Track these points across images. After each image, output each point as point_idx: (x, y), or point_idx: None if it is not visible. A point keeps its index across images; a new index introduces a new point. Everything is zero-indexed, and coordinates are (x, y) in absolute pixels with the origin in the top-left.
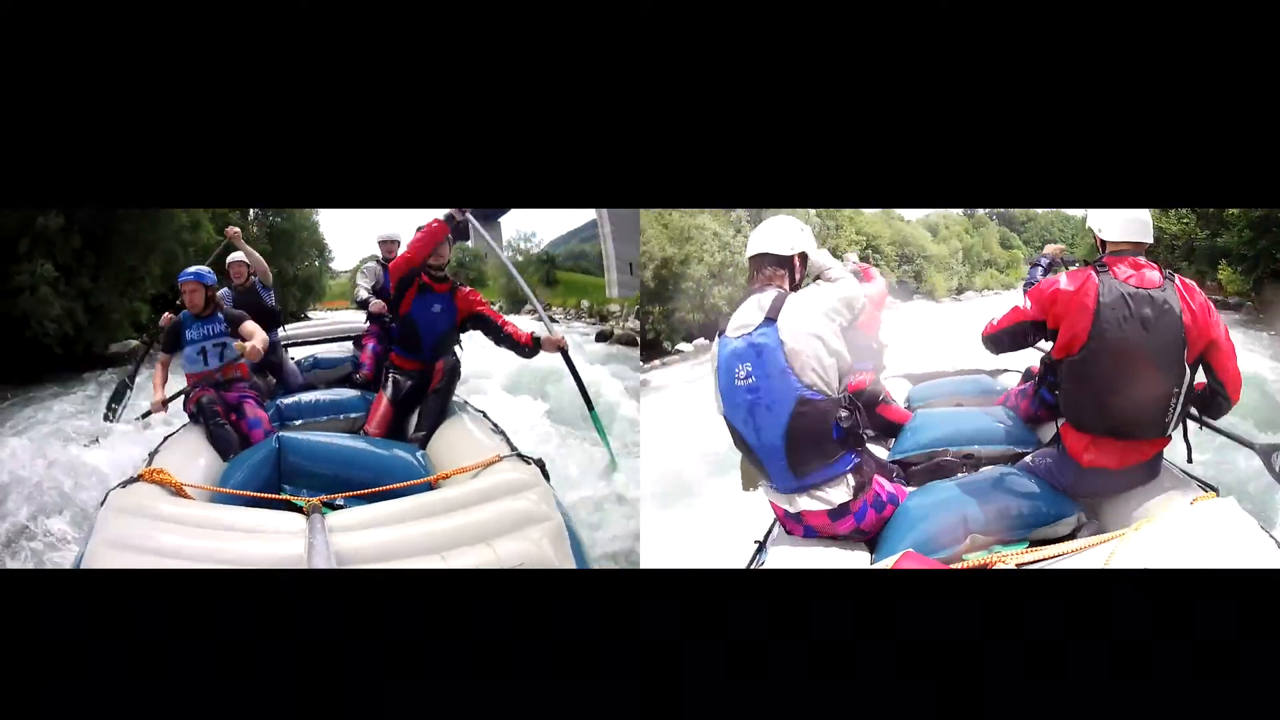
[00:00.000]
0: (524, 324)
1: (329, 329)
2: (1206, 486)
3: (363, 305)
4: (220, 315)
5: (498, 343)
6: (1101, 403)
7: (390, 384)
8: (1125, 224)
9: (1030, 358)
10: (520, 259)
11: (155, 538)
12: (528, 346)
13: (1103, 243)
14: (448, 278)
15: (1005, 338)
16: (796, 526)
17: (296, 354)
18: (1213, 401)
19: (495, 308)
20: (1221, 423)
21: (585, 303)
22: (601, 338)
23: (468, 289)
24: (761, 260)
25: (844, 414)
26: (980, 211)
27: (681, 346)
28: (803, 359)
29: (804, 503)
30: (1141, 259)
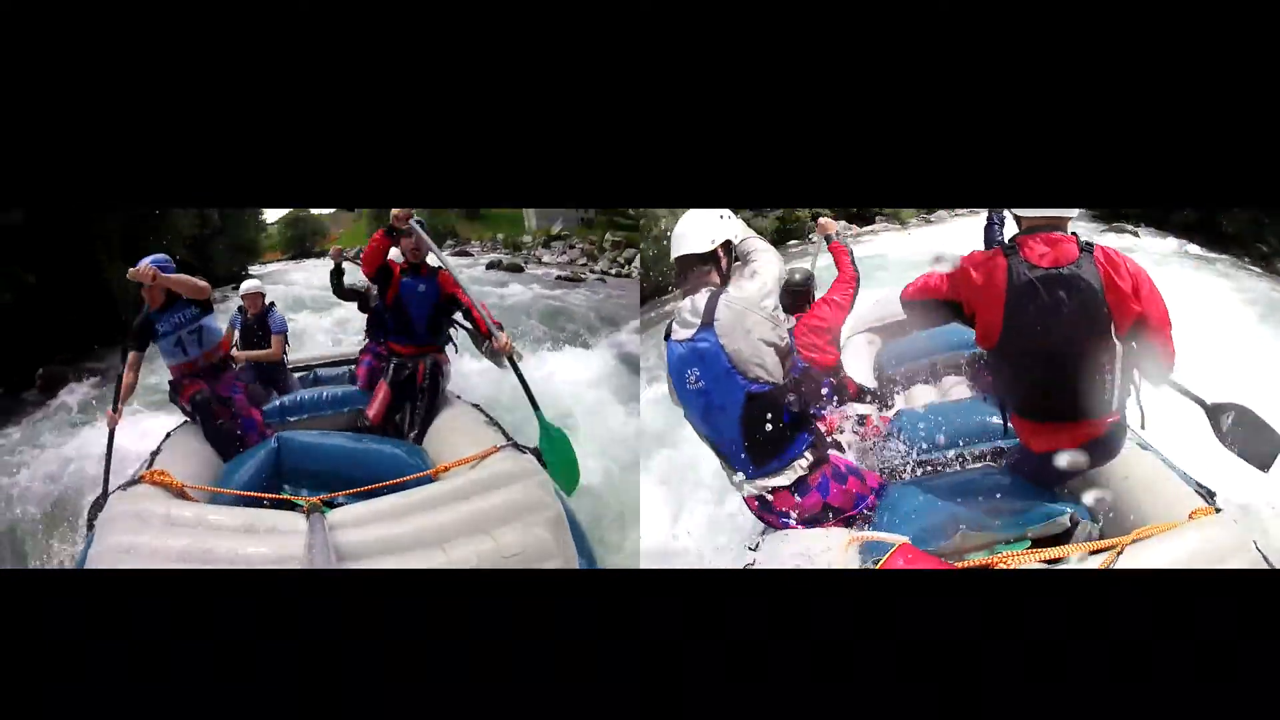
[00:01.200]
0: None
1: (329, 356)
2: (1203, 490)
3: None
4: (186, 301)
5: (465, 319)
6: (1032, 389)
7: (391, 369)
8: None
9: None
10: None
11: (158, 540)
12: (482, 335)
13: (1018, 219)
14: (422, 266)
15: (917, 311)
16: (774, 519)
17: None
18: (1151, 372)
19: None
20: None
21: (500, 236)
22: (491, 266)
23: (444, 274)
24: (685, 261)
25: (792, 398)
26: None
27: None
28: (743, 356)
29: (769, 482)
30: (1059, 233)
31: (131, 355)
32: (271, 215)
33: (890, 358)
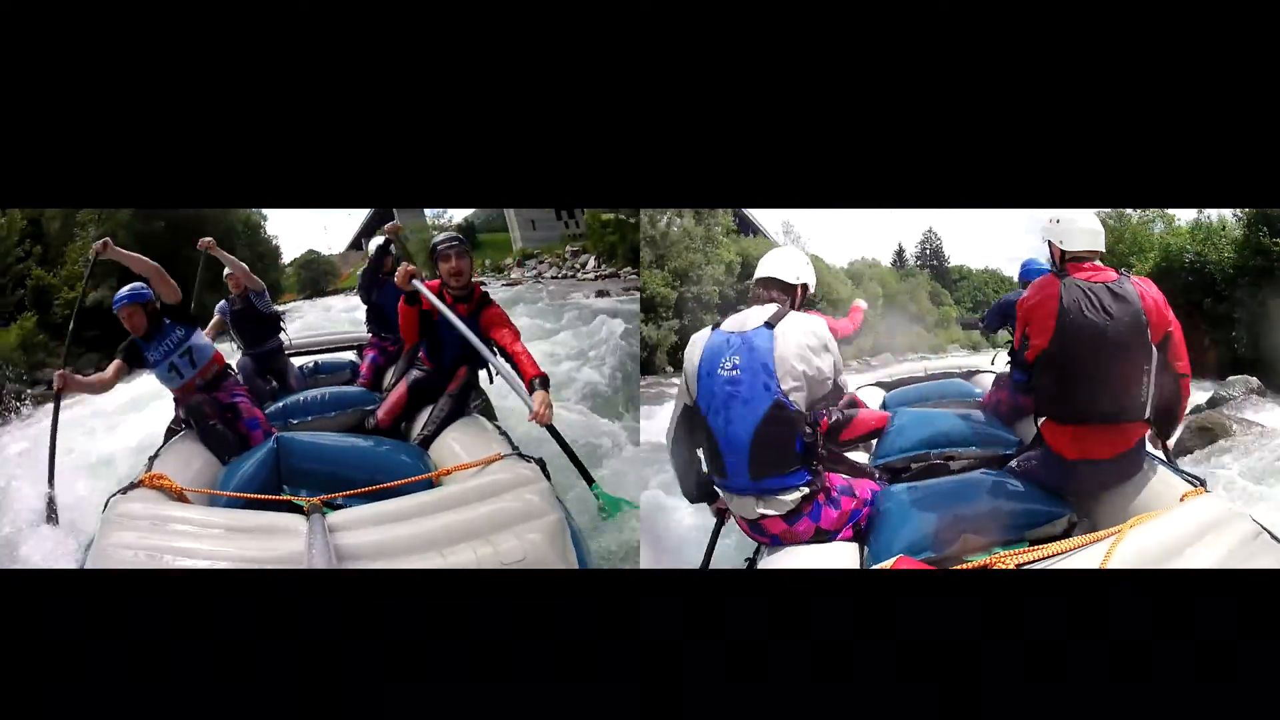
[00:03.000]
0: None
1: (333, 339)
2: (1193, 480)
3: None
4: (169, 322)
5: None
6: (1077, 391)
7: (412, 376)
8: (1082, 234)
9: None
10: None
11: (157, 543)
12: (526, 380)
13: (1061, 254)
14: (471, 296)
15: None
16: (762, 537)
17: (298, 360)
18: (1172, 391)
19: None
20: None
21: (488, 261)
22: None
23: (494, 311)
24: (769, 283)
25: (808, 430)
26: (911, 262)
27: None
28: (787, 366)
29: (758, 508)
30: (1099, 263)
31: (117, 362)
32: (286, 257)
33: (892, 405)
